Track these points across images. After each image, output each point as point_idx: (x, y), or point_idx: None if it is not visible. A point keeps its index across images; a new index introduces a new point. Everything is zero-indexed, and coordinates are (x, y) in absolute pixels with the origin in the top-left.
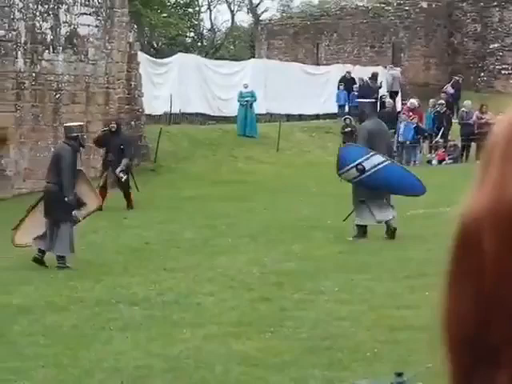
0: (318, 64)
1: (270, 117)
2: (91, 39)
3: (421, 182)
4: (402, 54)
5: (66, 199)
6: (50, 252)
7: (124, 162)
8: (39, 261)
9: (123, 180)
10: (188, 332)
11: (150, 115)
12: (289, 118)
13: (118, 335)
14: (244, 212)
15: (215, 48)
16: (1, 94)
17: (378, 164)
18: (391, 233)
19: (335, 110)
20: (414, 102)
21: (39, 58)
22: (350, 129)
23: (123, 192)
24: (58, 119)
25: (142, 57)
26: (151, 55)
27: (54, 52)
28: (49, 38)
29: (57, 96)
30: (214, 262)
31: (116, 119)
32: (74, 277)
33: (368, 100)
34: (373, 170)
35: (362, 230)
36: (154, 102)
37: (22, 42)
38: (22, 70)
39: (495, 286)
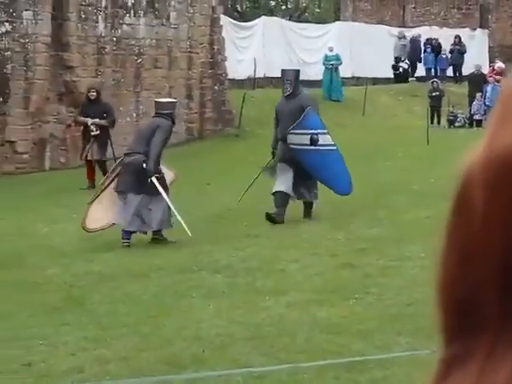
0: (404, 26)
1: (356, 80)
2: (173, 3)
3: (351, 183)
4: (490, 16)
5: (144, 165)
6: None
7: (103, 121)
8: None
9: (93, 134)
10: (271, 299)
11: (233, 79)
12: (375, 81)
13: (199, 303)
14: None
15: (300, 11)
16: (82, 59)
17: (330, 145)
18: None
19: (422, 73)
20: (500, 64)
21: (120, 22)
22: (437, 92)
23: (99, 165)
24: (139, 84)
25: (225, 20)
26: (235, 19)
27: (135, 16)
28: (130, 1)
29: (138, 61)
30: (297, 227)
31: (96, 86)
32: (155, 244)
33: (292, 68)
34: (321, 148)
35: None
36: (238, 66)
37: (103, 6)
38: (103, 34)
39: (482, 239)
